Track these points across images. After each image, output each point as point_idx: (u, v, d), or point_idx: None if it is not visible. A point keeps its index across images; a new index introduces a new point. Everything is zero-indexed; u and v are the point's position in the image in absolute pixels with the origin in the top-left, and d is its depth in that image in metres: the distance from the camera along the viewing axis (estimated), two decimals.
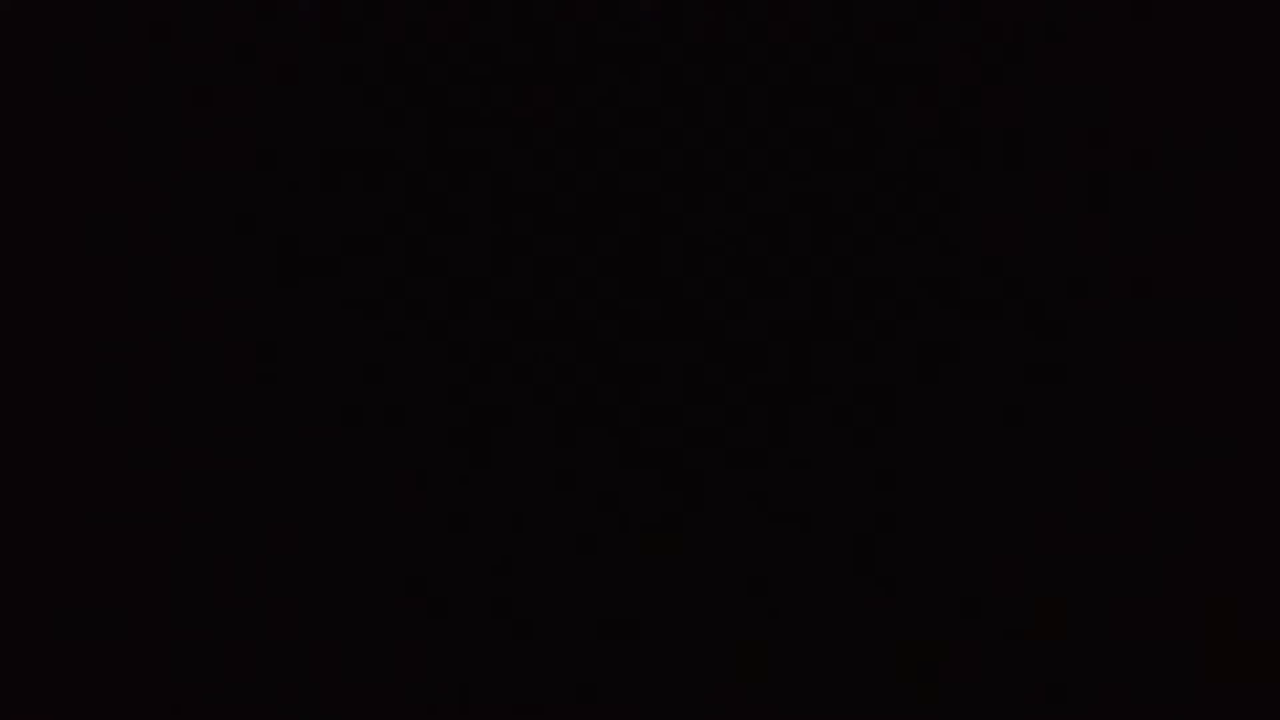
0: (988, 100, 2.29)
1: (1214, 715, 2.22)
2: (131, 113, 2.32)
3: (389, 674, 2.26)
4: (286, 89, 2.32)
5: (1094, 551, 2.24)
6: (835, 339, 2.28)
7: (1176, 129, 2.29)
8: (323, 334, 2.30)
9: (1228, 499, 2.25)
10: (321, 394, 2.29)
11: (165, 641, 2.26)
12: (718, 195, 2.30)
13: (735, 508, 2.27)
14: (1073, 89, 2.29)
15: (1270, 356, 2.26)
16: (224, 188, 2.32)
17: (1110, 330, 2.27)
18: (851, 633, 2.25)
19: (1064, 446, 2.26)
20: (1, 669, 2.26)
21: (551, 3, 2.32)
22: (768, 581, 2.26)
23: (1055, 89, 2.29)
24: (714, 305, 2.29)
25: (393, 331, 2.30)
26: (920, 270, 2.28)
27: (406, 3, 2.33)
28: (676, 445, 2.27)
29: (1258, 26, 2.29)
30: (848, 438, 2.27)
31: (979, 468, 2.26)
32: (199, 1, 2.33)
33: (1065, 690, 2.23)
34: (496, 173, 2.31)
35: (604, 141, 2.31)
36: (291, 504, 2.28)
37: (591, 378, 2.29)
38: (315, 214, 2.31)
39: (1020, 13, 2.30)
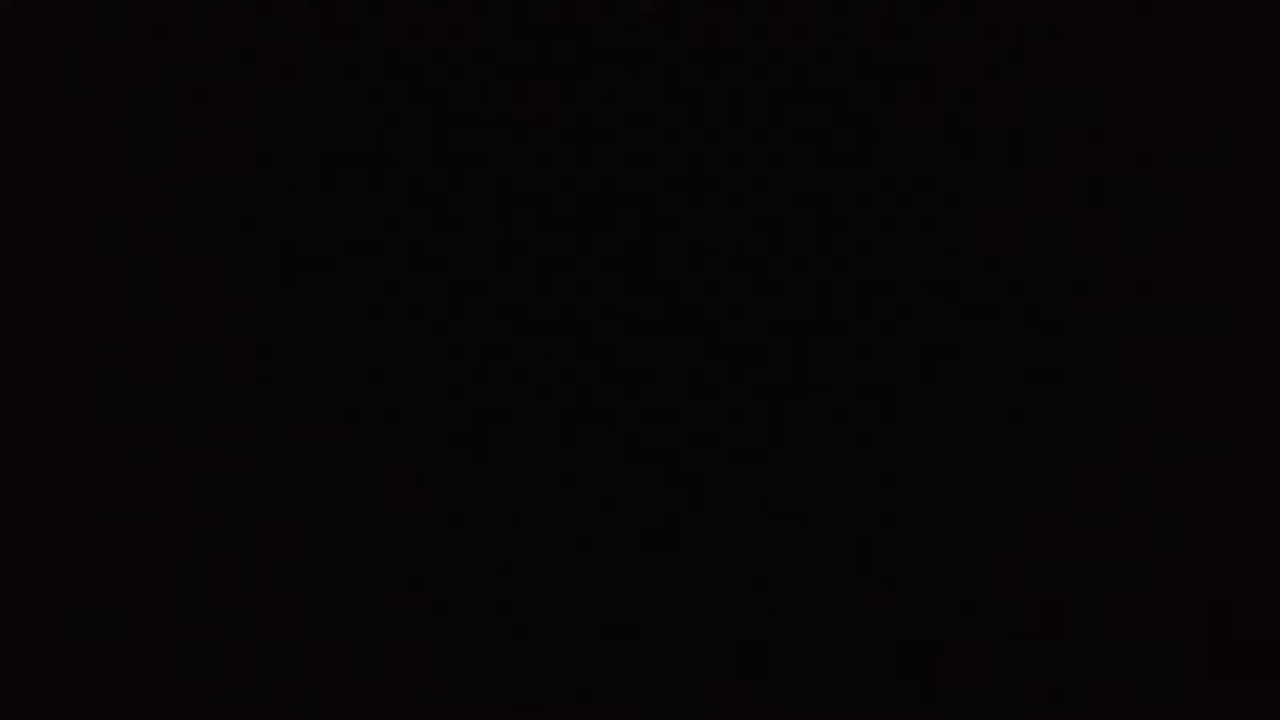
0: (988, 100, 2.29)
1: (1214, 715, 2.22)
2: (131, 113, 2.32)
3: (389, 674, 2.26)
4: (286, 89, 2.32)
5: (1094, 551, 2.24)
6: (835, 339, 2.28)
7: (1176, 129, 2.29)
8: (323, 334, 2.30)
9: (1228, 499, 2.25)
10: (321, 394, 2.29)
11: (165, 641, 2.26)
12: (718, 195, 2.30)
13: (735, 508, 2.27)
14: (1073, 89, 2.29)
15: (1270, 356, 2.26)
16: (224, 188, 2.32)
17: (1110, 330, 2.27)
18: (851, 633, 2.25)
19: (1064, 446, 2.26)
20: (1, 669, 2.26)
21: (551, 3, 2.32)
22: (768, 581, 2.26)
23: (1055, 89, 2.29)
24: (714, 305, 2.29)
25: (393, 331, 2.30)
26: (920, 270, 2.28)
27: (406, 3, 2.33)
28: (676, 445, 2.27)
29: (1258, 26, 2.29)
30: (848, 438, 2.27)
31: (979, 468, 2.26)
32: (199, 1, 2.33)
33: (1065, 690, 2.23)
34: (496, 173, 2.31)
35: (604, 141, 2.31)
36: (291, 504, 2.28)
37: (591, 378, 2.29)
38: (315, 214, 2.31)
39: (1020, 13, 2.30)
